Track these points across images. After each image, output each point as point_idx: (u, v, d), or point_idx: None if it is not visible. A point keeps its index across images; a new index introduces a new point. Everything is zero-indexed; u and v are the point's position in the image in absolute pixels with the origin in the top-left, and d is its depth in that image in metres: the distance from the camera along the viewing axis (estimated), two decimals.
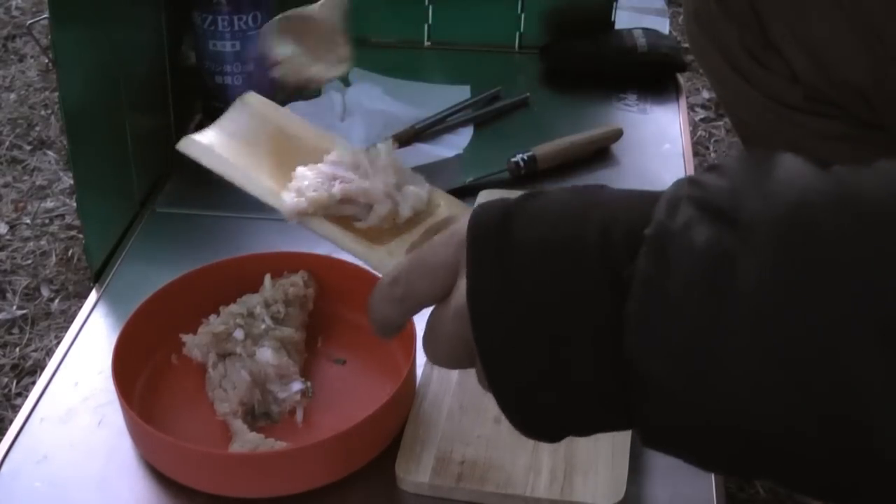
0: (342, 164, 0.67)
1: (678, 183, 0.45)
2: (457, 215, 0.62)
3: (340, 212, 0.65)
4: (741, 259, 0.41)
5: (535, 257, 0.47)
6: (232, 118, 0.71)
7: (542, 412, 0.49)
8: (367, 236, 0.64)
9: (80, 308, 0.92)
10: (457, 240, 0.51)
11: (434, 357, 0.55)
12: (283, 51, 0.70)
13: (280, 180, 0.66)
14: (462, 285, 0.50)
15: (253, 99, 0.73)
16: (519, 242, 0.47)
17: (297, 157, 0.68)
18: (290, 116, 0.72)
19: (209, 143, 0.68)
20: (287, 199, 0.65)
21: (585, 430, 0.51)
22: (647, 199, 0.46)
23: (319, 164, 0.67)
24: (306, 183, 0.65)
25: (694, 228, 0.42)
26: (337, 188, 0.64)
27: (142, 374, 0.80)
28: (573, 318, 0.45)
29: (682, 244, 0.42)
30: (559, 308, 0.46)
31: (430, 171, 0.85)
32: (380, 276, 0.57)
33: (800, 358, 0.40)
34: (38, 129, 1.57)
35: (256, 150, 0.69)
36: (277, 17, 0.76)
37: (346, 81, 1.23)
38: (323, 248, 0.91)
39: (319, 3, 0.77)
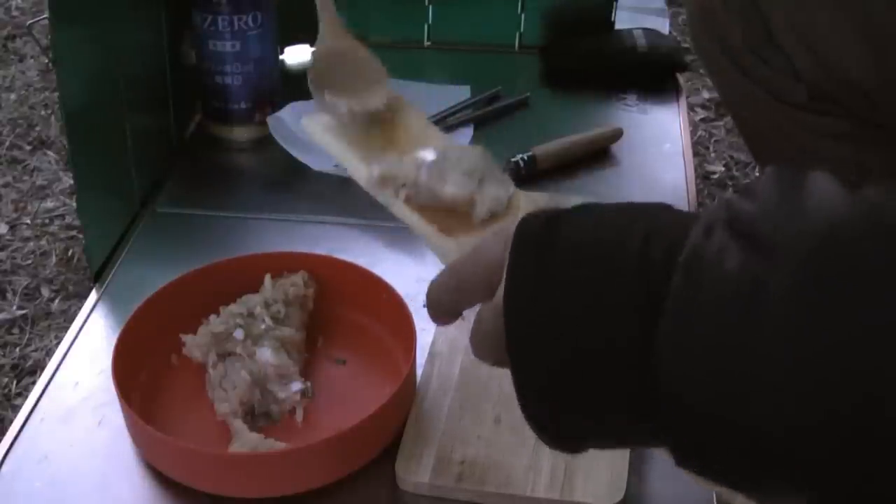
0: (429, 153, 0.69)
1: (717, 205, 0.45)
2: None
3: (417, 198, 0.66)
4: (771, 287, 0.41)
5: (574, 261, 0.47)
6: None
7: (564, 420, 0.49)
8: (441, 227, 0.65)
9: (80, 308, 0.92)
10: (505, 237, 0.52)
11: (477, 352, 0.56)
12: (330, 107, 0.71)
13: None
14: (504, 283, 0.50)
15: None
16: (560, 246, 0.48)
17: (403, 145, 0.72)
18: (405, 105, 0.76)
19: (327, 124, 0.73)
20: (364, 171, 0.68)
21: (608, 443, 0.52)
22: (690, 219, 0.46)
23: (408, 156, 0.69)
24: (385, 164, 0.68)
25: (726, 254, 0.42)
26: (411, 171, 0.67)
27: (142, 374, 0.80)
28: (605, 329, 0.46)
29: (714, 269, 0.43)
30: (592, 316, 0.46)
31: None
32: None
33: (828, 385, 0.40)
34: (38, 129, 1.57)
35: (365, 129, 0.73)
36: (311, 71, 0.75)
37: None
38: (323, 248, 0.91)
39: (322, 42, 0.77)
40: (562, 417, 0.49)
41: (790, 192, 0.44)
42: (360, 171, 0.69)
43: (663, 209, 0.49)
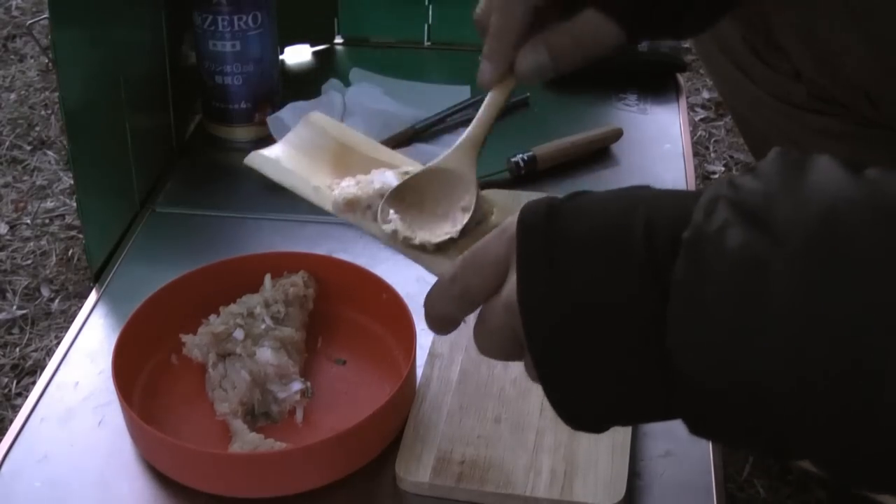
0: (389, 174, 0.68)
1: (718, 183, 0.46)
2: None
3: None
4: (773, 265, 0.42)
5: (583, 254, 0.48)
6: (297, 133, 0.74)
7: (587, 403, 0.51)
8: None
9: (80, 308, 0.92)
10: (507, 235, 0.53)
11: (484, 349, 0.56)
12: (387, 227, 0.65)
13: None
14: (513, 279, 0.51)
15: (318, 118, 0.75)
16: (566, 238, 0.49)
17: (357, 168, 0.70)
18: (355, 134, 0.74)
19: (275, 157, 0.71)
20: (329, 195, 0.68)
21: (628, 420, 0.54)
22: (690, 197, 0.47)
23: (370, 175, 0.69)
24: (345, 183, 0.68)
25: (728, 231, 0.43)
26: (376, 185, 0.67)
27: (142, 374, 0.80)
28: (619, 316, 0.47)
29: (716, 248, 0.44)
30: (606, 306, 0.48)
31: None
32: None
33: (830, 360, 0.41)
34: (38, 129, 1.57)
35: (319, 161, 0.71)
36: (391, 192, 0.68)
37: (345, 81, 1.22)
38: (323, 248, 0.91)
39: (449, 156, 0.72)
40: (585, 398, 0.50)
41: (793, 173, 0.44)
42: (316, 195, 0.68)
43: (650, 190, 0.50)
